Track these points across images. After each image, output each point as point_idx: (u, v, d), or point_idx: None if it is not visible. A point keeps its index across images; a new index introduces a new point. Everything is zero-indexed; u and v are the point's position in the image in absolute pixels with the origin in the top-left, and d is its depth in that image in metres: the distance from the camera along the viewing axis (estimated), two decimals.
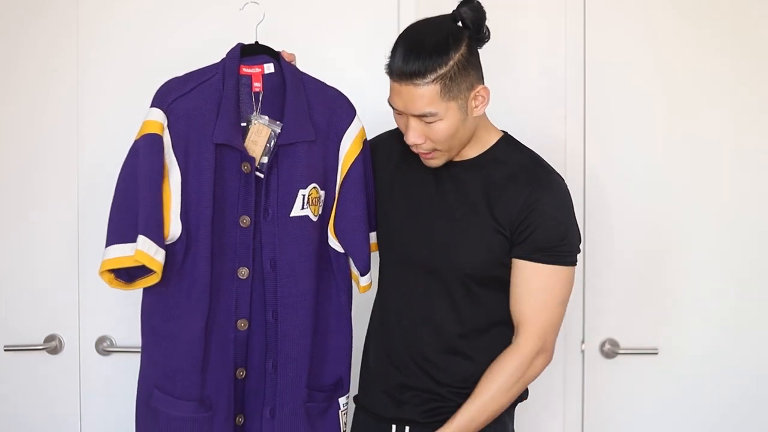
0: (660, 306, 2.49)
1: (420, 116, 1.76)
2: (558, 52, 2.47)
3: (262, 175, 1.86)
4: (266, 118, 1.88)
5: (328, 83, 1.96)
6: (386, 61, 1.78)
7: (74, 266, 2.47)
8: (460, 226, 1.86)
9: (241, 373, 1.90)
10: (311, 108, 1.89)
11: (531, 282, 1.84)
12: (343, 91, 1.96)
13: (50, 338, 2.48)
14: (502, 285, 1.87)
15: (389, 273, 1.99)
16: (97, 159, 2.42)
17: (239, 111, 1.86)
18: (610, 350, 2.48)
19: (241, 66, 1.88)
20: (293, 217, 1.87)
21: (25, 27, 2.47)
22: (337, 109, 1.93)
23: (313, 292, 1.90)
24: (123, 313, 2.44)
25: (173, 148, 1.80)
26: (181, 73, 1.88)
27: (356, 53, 2.47)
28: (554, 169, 1.89)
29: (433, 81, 1.72)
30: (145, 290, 1.86)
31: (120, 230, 1.79)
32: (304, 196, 1.87)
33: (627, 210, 2.48)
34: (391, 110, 1.83)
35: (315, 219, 1.90)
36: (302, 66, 1.95)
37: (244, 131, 1.87)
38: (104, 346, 2.48)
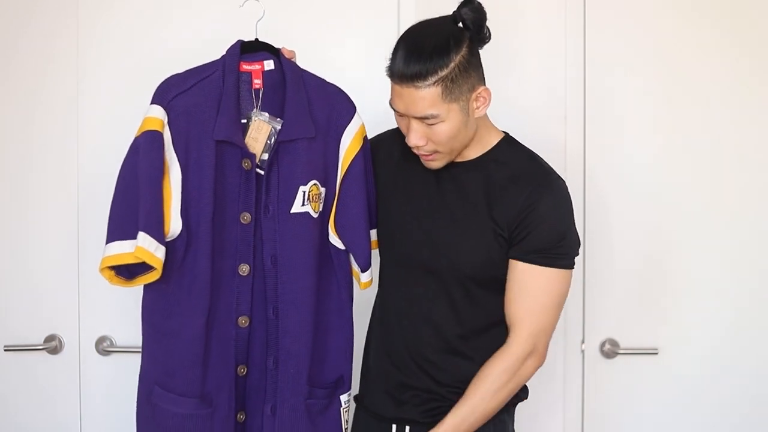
0: (660, 306, 2.49)
1: (421, 118, 1.76)
2: (558, 52, 2.47)
3: (262, 172, 1.86)
4: (266, 114, 1.88)
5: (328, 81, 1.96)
6: (386, 61, 1.78)
7: (74, 266, 2.47)
8: (460, 226, 1.86)
9: (242, 370, 1.90)
10: (311, 105, 1.89)
11: (525, 283, 1.84)
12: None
13: (50, 338, 2.48)
14: (502, 286, 1.87)
15: (389, 273, 1.99)
16: (97, 159, 2.42)
17: (239, 108, 1.86)
18: (610, 350, 2.48)
19: (241, 63, 1.88)
20: (294, 213, 1.87)
21: (25, 24, 2.47)
22: (337, 105, 1.93)
23: (313, 289, 1.90)
24: (123, 313, 2.44)
25: (173, 145, 1.80)
26: (181, 71, 1.88)
27: (356, 52, 2.47)
28: (555, 172, 1.89)
29: (434, 83, 1.72)
30: (146, 287, 1.86)
31: (120, 227, 1.79)
32: (304, 192, 1.87)
33: (627, 210, 2.48)
34: (391, 109, 1.83)
35: (315, 216, 1.90)
36: (302, 65, 1.95)
37: (244, 128, 1.87)
38: (104, 346, 2.48)
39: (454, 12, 1.79)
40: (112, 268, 1.80)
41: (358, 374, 2.05)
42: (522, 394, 1.97)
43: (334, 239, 1.93)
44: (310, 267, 1.89)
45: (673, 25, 2.46)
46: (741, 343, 2.49)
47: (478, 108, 1.80)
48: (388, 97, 1.81)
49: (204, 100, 1.83)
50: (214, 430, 1.85)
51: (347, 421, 2.01)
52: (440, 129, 1.77)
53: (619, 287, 2.49)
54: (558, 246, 1.83)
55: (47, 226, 2.48)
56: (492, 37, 1.81)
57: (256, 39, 1.92)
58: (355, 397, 2.05)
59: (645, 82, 2.47)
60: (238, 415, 1.91)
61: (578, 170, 2.46)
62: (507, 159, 1.88)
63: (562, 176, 1.90)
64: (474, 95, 1.78)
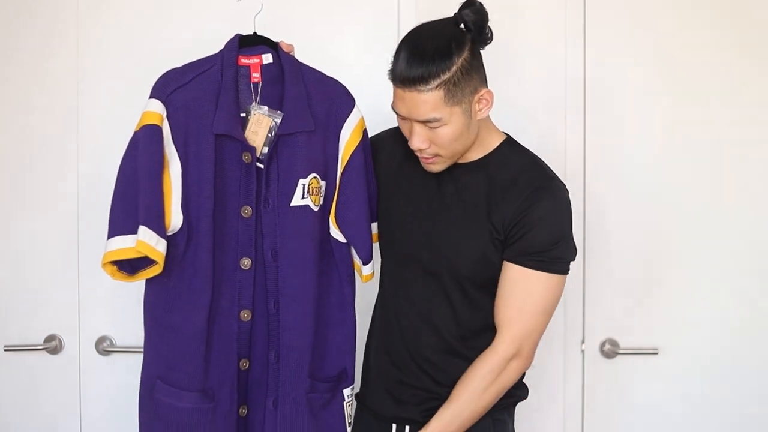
0: (660, 306, 2.49)
1: (424, 122, 1.76)
2: (558, 52, 2.47)
3: (261, 166, 1.86)
4: (266, 108, 1.88)
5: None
6: (386, 56, 1.78)
7: (74, 266, 2.47)
8: (459, 228, 1.86)
9: (245, 364, 1.90)
10: (310, 98, 1.89)
11: (515, 286, 1.84)
12: None
13: (50, 338, 2.48)
14: None
15: (390, 272, 1.99)
16: (97, 159, 2.41)
17: (238, 102, 1.86)
18: (610, 350, 2.48)
19: (240, 57, 1.88)
20: (293, 206, 1.87)
21: (24, 24, 2.47)
22: (337, 98, 1.93)
23: (314, 282, 1.89)
24: (123, 313, 2.45)
25: (173, 139, 1.81)
26: (179, 64, 1.88)
27: (355, 47, 2.47)
28: (556, 176, 1.89)
29: (436, 87, 1.72)
30: (148, 282, 1.86)
31: (121, 222, 1.79)
32: (304, 185, 1.87)
33: (627, 209, 2.48)
34: (389, 107, 1.82)
35: (316, 209, 1.89)
36: (300, 60, 1.94)
37: (243, 122, 1.87)
38: (104, 346, 2.48)
39: (455, 14, 1.78)
40: (115, 263, 1.80)
41: (360, 369, 2.06)
42: (522, 393, 1.98)
43: (336, 233, 1.93)
44: (310, 260, 1.89)
45: (673, 25, 2.46)
46: (741, 342, 2.49)
47: (480, 110, 1.80)
48: (387, 91, 1.80)
49: (202, 94, 1.83)
50: (216, 424, 1.85)
51: (351, 416, 2.01)
52: (443, 132, 1.77)
53: (619, 287, 2.49)
54: (551, 249, 1.82)
55: (47, 226, 2.48)
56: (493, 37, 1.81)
57: (255, 33, 1.92)
58: (357, 396, 2.05)
59: (645, 82, 2.47)
60: (240, 409, 1.91)
61: (578, 170, 2.46)
62: (508, 161, 1.88)
63: (562, 177, 1.90)
64: (476, 97, 1.78)
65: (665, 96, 2.47)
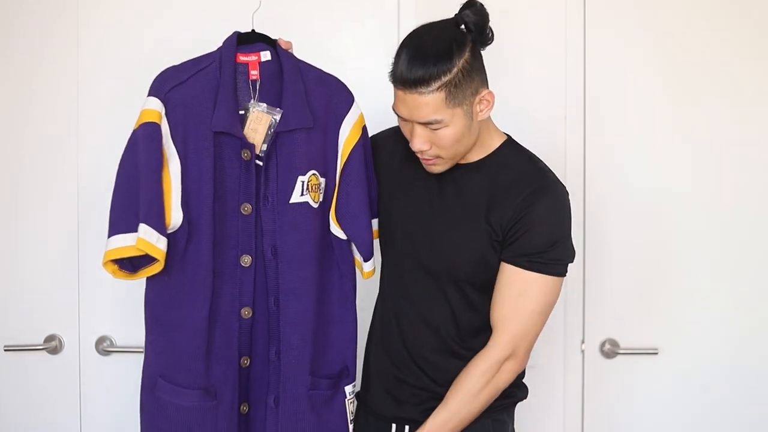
0: (660, 306, 2.49)
1: (425, 123, 1.76)
2: (558, 52, 2.47)
3: (260, 163, 1.86)
4: (264, 105, 1.87)
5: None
6: (386, 54, 1.78)
7: (74, 266, 2.47)
8: (458, 229, 1.86)
9: (246, 362, 1.90)
10: (309, 95, 1.89)
11: (511, 287, 1.83)
12: None
13: (50, 338, 2.48)
14: None
15: (390, 272, 1.99)
16: (97, 158, 2.41)
17: (237, 99, 1.86)
18: (610, 350, 2.48)
19: (238, 54, 1.88)
20: (292, 203, 1.87)
21: (24, 24, 2.46)
22: (335, 95, 1.92)
23: (314, 279, 1.89)
24: (123, 313, 2.44)
25: (172, 137, 1.80)
26: (178, 62, 1.88)
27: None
28: (556, 177, 1.88)
29: (437, 89, 1.71)
30: (148, 280, 1.86)
31: (121, 220, 1.79)
32: (303, 182, 1.87)
33: (627, 209, 2.48)
34: (388, 104, 1.82)
35: (316, 206, 1.89)
36: (299, 57, 1.94)
37: (242, 119, 1.87)
38: (104, 346, 2.48)
39: (456, 15, 1.78)
40: (116, 262, 1.80)
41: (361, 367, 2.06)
42: (522, 393, 1.98)
43: (336, 229, 1.93)
44: (310, 257, 1.88)
45: (673, 25, 2.46)
46: (741, 343, 2.49)
47: (481, 111, 1.80)
48: (386, 89, 1.80)
49: (201, 91, 1.83)
50: (217, 421, 1.85)
51: (352, 413, 2.00)
52: (444, 134, 1.77)
53: (619, 287, 2.49)
54: (548, 251, 1.81)
55: (47, 226, 2.47)
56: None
57: (253, 30, 1.92)
58: (357, 395, 2.05)
59: (645, 82, 2.47)
60: (242, 407, 1.91)
61: (578, 170, 2.46)
62: (509, 162, 1.88)
63: (562, 177, 1.90)
64: (477, 98, 1.77)
65: (665, 96, 2.47)
